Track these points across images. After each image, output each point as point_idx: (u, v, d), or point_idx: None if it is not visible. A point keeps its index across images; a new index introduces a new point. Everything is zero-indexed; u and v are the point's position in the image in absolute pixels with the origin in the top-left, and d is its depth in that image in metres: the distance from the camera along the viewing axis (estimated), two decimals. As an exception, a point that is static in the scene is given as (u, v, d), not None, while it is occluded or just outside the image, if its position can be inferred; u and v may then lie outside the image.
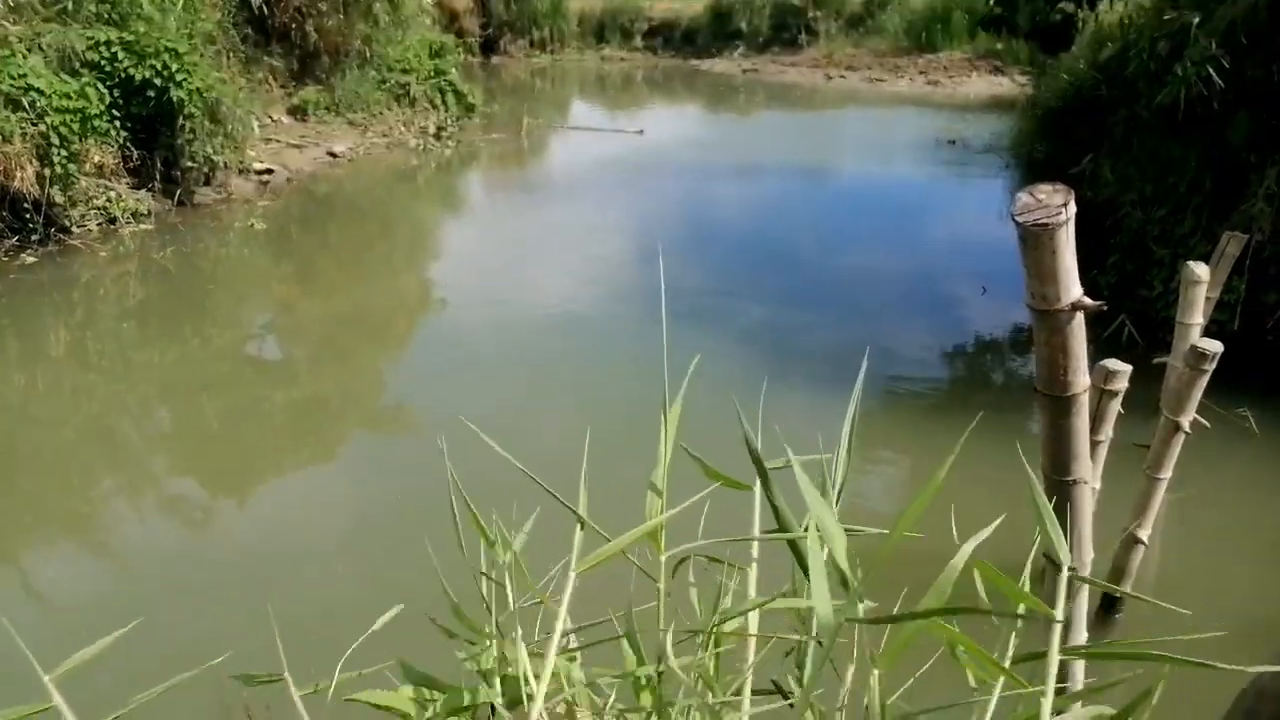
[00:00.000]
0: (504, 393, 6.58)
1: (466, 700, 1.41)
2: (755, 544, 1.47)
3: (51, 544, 4.93)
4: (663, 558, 1.35)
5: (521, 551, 1.50)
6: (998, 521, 1.19)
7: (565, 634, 1.27)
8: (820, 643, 1.39)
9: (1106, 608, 4.18)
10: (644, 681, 1.35)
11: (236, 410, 6.45)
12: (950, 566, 1.05)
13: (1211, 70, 6.52)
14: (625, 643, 1.42)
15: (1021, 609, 1.21)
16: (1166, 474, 3.90)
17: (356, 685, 1.45)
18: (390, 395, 6.89)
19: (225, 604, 4.23)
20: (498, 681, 1.43)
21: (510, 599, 1.47)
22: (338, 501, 5.25)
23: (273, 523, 5.08)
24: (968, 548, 1.11)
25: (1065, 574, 1.28)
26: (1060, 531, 1.31)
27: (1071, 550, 1.82)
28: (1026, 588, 1.35)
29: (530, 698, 1.25)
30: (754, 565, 1.47)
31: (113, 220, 10.32)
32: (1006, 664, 1.26)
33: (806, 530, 1.19)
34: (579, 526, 1.35)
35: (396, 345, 8.06)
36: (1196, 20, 6.86)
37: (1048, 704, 1.15)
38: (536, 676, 1.26)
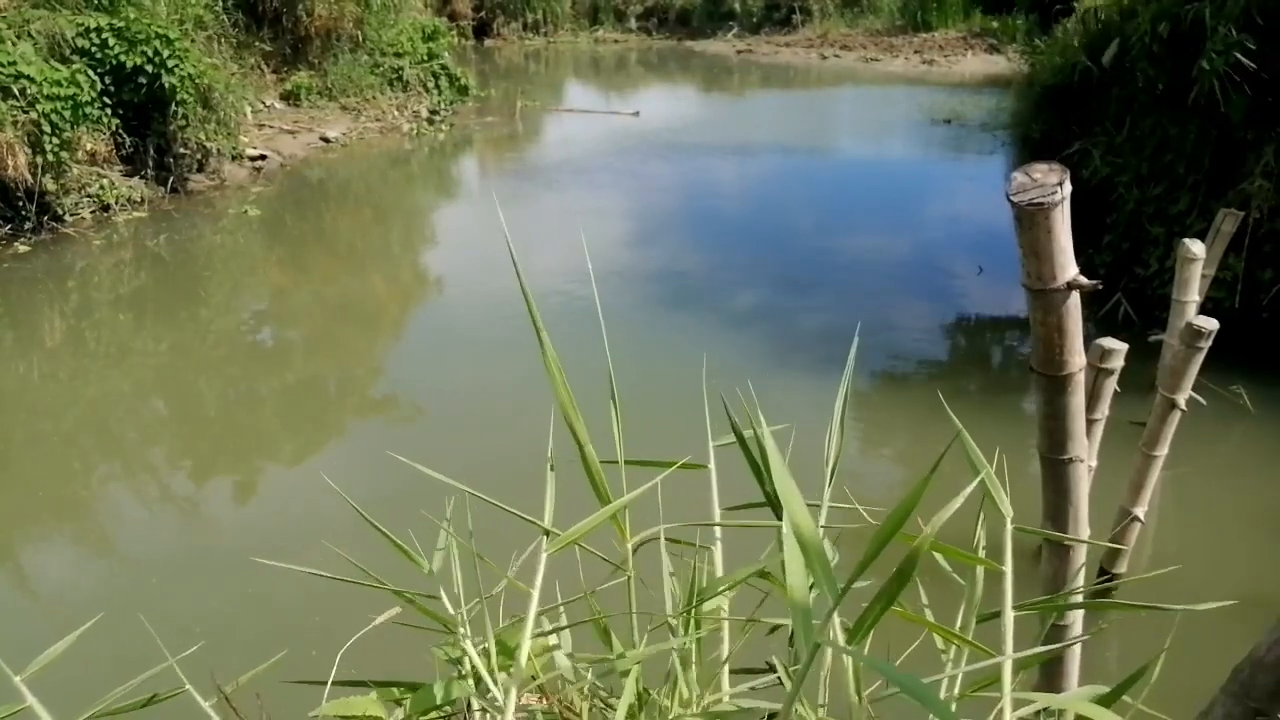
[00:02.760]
0: (497, 376, 6.56)
1: (438, 697, 1.32)
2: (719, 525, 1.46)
3: (45, 534, 4.92)
4: (629, 544, 1.33)
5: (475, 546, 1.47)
6: (963, 495, 1.16)
7: (539, 615, 1.25)
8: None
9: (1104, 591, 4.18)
10: (626, 666, 1.31)
11: (231, 397, 6.43)
12: (917, 543, 1.02)
13: (1240, 56, 6.41)
14: (598, 629, 1.40)
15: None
16: (1163, 451, 3.91)
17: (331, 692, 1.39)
18: (384, 380, 6.88)
19: (213, 594, 4.22)
20: (470, 670, 1.35)
21: (474, 590, 1.43)
22: (330, 490, 5.22)
23: (265, 512, 5.07)
24: (939, 519, 1.10)
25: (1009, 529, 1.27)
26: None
27: (1068, 528, 1.82)
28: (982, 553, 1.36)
29: (499, 685, 1.22)
30: (718, 545, 1.45)
31: (106, 208, 10.28)
32: (971, 629, 1.28)
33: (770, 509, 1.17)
34: (545, 521, 1.33)
35: (390, 330, 8.04)
36: (1208, 10, 6.73)
37: (1008, 666, 1.15)
38: (507, 669, 1.23)
